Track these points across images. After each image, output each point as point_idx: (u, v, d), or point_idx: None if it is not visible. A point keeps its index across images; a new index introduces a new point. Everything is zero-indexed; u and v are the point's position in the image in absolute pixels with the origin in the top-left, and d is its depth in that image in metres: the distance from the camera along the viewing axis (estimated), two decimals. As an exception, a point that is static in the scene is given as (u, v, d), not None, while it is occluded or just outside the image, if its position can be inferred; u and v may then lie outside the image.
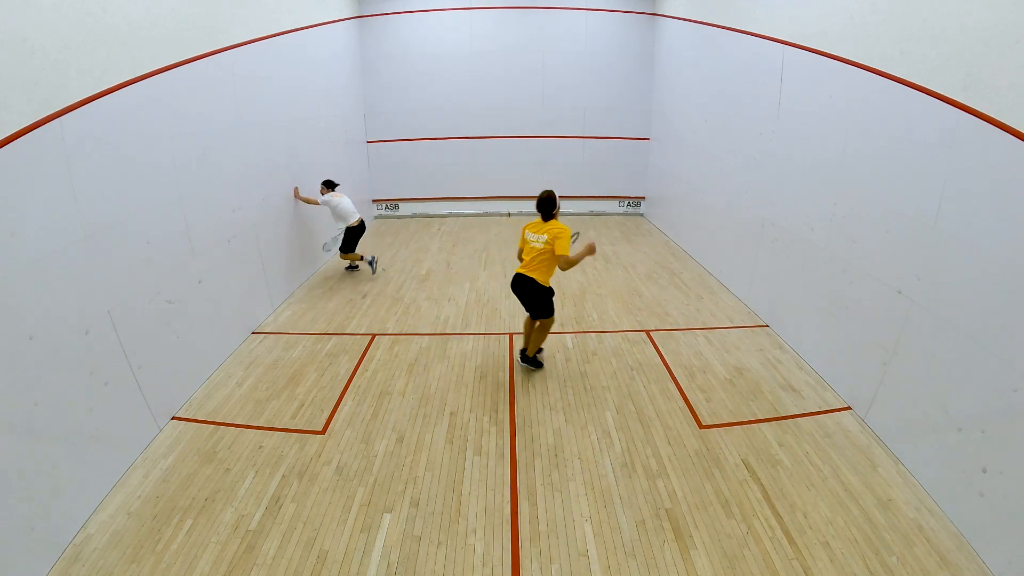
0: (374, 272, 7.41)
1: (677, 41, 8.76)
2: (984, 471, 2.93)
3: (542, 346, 4.44)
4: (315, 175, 7.56)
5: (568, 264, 4.32)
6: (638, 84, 10.06)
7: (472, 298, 6.65)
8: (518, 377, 4.78)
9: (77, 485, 3.18)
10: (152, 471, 3.63)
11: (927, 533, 3.07)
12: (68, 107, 3.22)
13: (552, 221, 4.49)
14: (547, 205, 4.48)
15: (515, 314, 6.06)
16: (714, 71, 7.22)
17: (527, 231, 4.56)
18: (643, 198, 10.80)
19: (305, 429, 4.08)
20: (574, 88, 10.07)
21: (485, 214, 10.80)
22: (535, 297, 4.54)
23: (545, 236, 4.41)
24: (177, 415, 4.22)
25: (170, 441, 3.93)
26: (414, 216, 10.79)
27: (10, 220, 2.82)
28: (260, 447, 3.88)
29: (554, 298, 4.62)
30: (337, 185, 7.20)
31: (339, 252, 7.33)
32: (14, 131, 2.85)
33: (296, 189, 6.84)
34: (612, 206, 10.89)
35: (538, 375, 4.79)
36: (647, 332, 5.64)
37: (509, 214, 10.82)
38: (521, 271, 4.54)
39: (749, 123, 6.15)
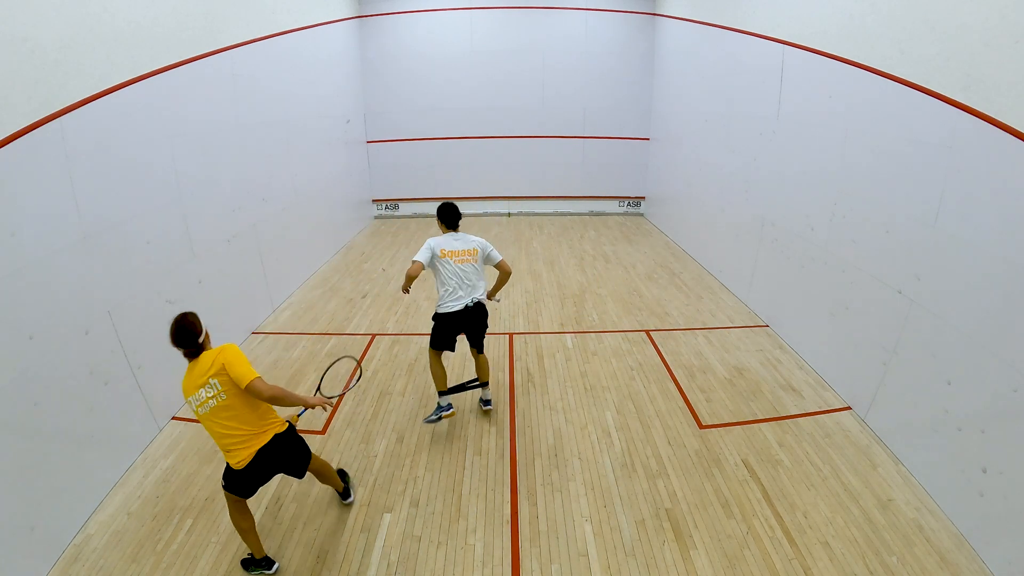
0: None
1: (677, 41, 8.75)
2: (984, 471, 2.93)
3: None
4: (315, 175, 7.57)
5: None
6: (638, 84, 10.05)
7: (472, 298, 6.64)
8: (518, 377, 4.78)
9: (77, 485, 3.19)
10: (152, 471, 3.63)
11: (927, 533, 3.07)
12: (68, 107, 3.23)
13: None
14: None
15: (515, 313, 6.07)
16: (714, 71, 7.21)
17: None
18: (643, 198, 10.80)
19: (305, 429, 4.08)
20: (574, 88, 10.07)
21: (485, 214, 10.80)
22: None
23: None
24: (177, 415, 4.21)
25: (170, 441, 3.93)
26: (414, 216, 10.78)
27: (10, 220, 2.83)
28: (260, 447, 3.87)
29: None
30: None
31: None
32: (14, 131, 2.85)
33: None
34: (612, 206, 10.89)
35: (537, 375, 4.80)
36: (647, 332, 5.64)
37: (509, 214, 10.82)
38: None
39: (749, 123, 6.14)
